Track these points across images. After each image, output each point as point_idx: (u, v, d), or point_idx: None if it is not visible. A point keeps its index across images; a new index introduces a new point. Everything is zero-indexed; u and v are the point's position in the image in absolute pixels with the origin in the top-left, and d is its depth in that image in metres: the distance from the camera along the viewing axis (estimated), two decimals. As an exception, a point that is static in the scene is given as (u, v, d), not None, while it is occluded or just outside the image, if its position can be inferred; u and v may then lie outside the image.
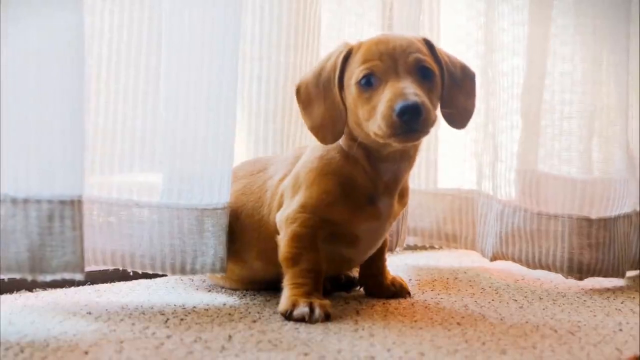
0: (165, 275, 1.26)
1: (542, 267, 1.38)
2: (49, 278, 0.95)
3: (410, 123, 0.96)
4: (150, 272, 1.12)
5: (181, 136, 1.10)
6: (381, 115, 0.97)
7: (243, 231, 1.14)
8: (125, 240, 1.10)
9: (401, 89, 0.97)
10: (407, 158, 1.08)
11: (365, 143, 1.06)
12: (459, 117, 1.09)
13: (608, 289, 1.33)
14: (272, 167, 1.17)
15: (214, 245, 1.11)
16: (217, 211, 1.11)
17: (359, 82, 1.01)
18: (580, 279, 1.36)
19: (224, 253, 1.12)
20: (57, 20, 0.95)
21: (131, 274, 1.17)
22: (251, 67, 1.33)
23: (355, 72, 1.02)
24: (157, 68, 1.12)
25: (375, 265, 1.20)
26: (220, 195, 1.12)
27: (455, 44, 1.59)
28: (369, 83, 1.01)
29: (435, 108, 1.03)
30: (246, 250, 1.14)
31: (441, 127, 1.59)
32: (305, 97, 1.08)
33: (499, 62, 1.46)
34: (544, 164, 1.43)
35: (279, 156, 1.23)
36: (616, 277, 1.37)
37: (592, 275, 1.35)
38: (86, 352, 0.83)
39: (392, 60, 1.01)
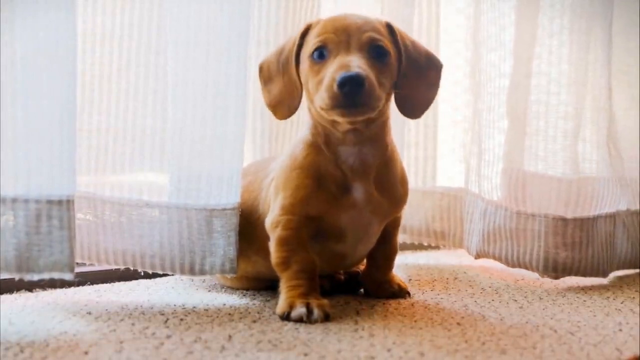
0: (166, 275, 1.26)
1: (520, 266, 1.38)
2: (36, 277, 0.95)
3: (351, 95, 0.96)
4: (160, 272, 1.13)
5: (190, 135, 1.10)
6: (325, 87, 0.98)
7: (245, 226, 1.14)
8: (136, 240, 1.10)
9: (347, 61, 0.98)
10: (369, 140, 1.07)
11: (322, 124, 1.06)
12: (414, 106, 1.09)
13: (608, 289, 1.33)
14: (270, 167, 1.17)
15: (223, 246, 1.11)
16: (227, 211, 1.11)
17: (311, 55, 1.03)
18: (556, 277, 1.35)
19: (234, 254, 1.11)
20: (47, 20, 0.94)
21: (132, 271, 1.17)
22: None
23: (309, 45, 1.04)
24: (166, 67, 1.12)
25: (377, 266, 1.19)
26: (229, 195, 1.11)
27: (453, 43, 1.58)
28: (321, 56, 1.02)
29: (385, 89, 1.03)
30: (248, 246, 1.15)
31: (440, 127, 1.60)
32: (267, 74, 1.10)
33: (487, 62, 1.44)
34: (528, 163, 1.42)
35: (278, 156, 1.23)
36: (596, 276, 1.37)
37: (569, 274, 1.35)
38: (86, 352, 0.84)
39: (345, 35, 1.02)
